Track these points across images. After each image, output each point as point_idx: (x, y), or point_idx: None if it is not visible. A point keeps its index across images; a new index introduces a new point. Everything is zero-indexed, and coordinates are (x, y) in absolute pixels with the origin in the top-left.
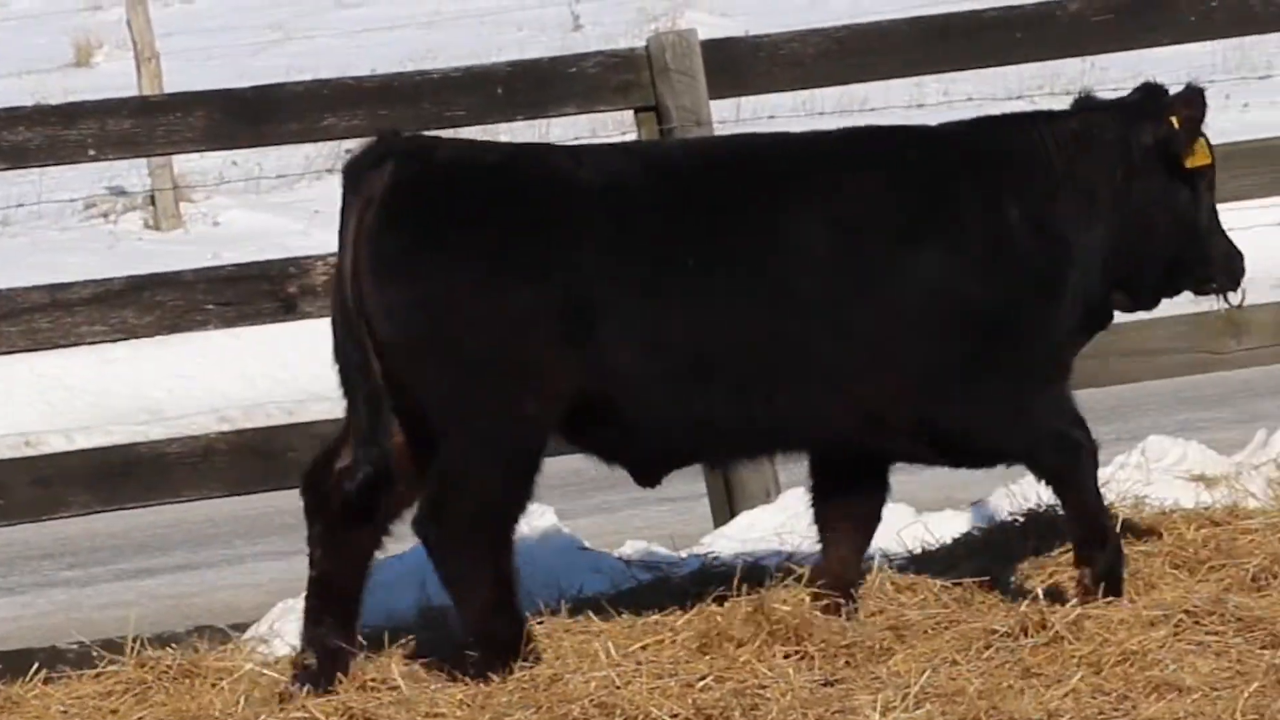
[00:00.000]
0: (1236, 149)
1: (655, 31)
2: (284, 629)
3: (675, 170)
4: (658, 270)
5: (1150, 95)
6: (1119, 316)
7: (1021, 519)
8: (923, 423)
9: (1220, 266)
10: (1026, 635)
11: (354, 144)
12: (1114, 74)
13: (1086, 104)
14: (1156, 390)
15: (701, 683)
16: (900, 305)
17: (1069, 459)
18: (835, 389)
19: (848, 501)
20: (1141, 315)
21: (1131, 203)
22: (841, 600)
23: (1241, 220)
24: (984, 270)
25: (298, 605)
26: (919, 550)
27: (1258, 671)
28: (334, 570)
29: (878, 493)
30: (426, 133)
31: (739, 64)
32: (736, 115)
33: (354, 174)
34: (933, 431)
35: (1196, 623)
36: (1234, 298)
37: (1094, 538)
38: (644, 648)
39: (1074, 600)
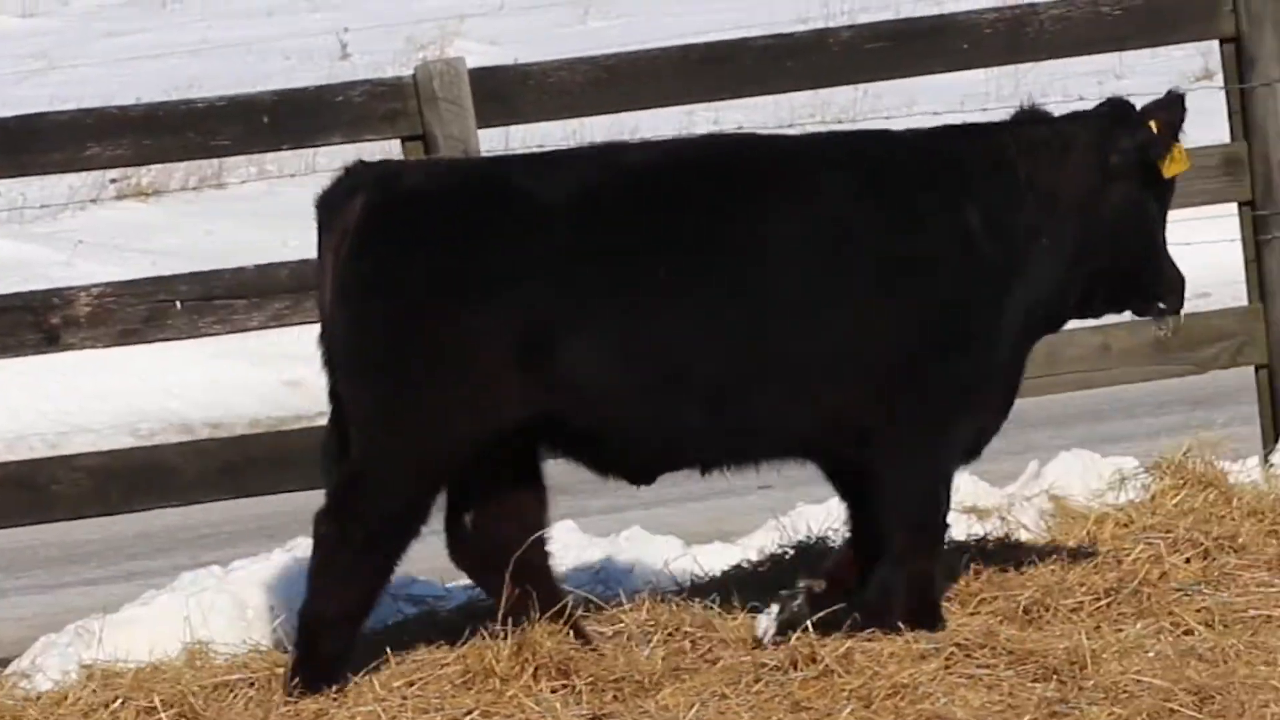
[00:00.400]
0: None
1: (423, 60)
2: (46, 664)
3: (641, 176)
4: (625, 283)
5: (1121, 106)
6: None
7: (791, 551)
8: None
9: (1170, 286)
10: (796, 668)
11: (116, 172)
12: (887, 101)
13: (1048, 115)
14: None
15: (468, 717)
16: (867, 310)
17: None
18: (804, 394)
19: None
20: None
21: (1101, 212)
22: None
23: None
24: (944, 277)
25: (60, 639)
26: (688, 583)
27: (1029, 704)
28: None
29: None
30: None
31: (507, 92)
32: (505, 144)
33: (328, 208)
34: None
35: (968, 655)
36: (1172, 322)
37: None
38: (410, 683)
39: (843, 633)
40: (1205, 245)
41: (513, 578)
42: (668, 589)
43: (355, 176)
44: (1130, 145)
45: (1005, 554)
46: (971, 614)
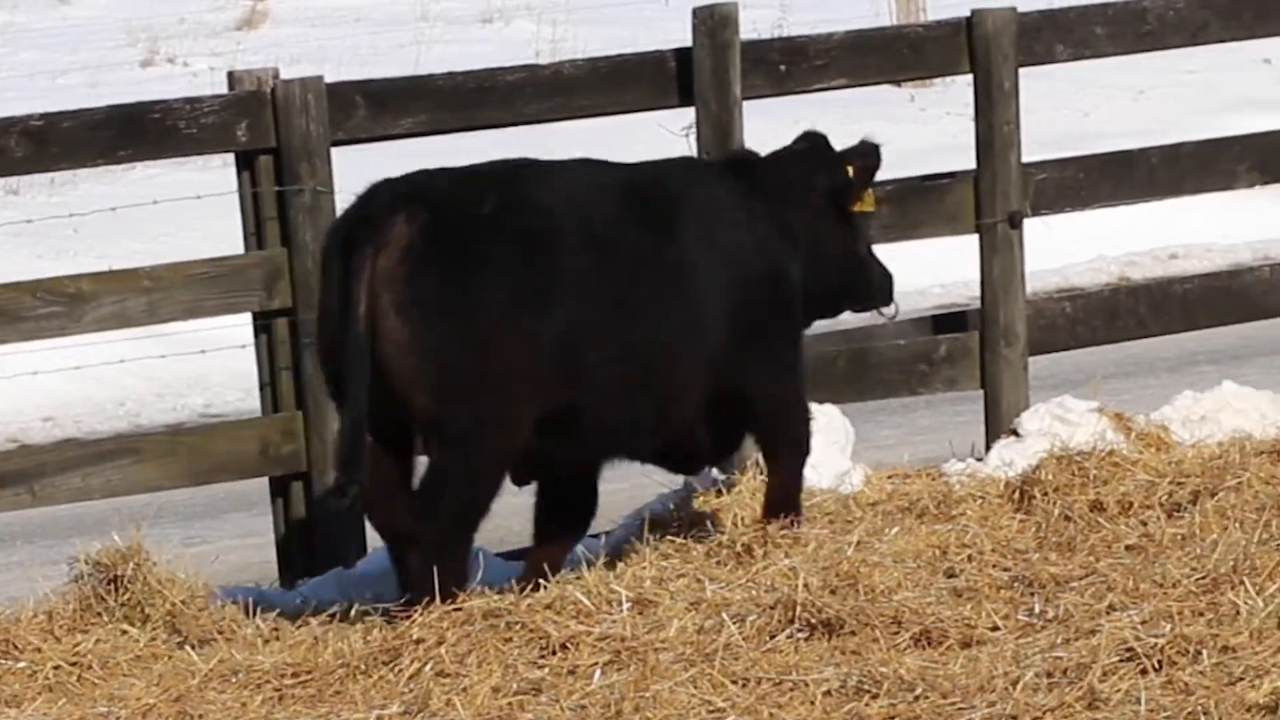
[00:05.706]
0: None
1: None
2: None
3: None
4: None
5: (818, 145)
6: None
7: None
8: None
9: (877, 288)
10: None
11: None
12: None
13: (759, 155)
14: None
15: None
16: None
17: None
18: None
19: (564, 512)
20: None
21: (811, 237)
22: None
23: None
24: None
25: None
26: None
27: None
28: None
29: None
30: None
31: None
32: None
33: (359, 223)
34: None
35: None
36: (889, 310)
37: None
38: None
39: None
40: None
41: None
42: None
43: (389, 192)
44: (828, 185)
45: None
46: None
